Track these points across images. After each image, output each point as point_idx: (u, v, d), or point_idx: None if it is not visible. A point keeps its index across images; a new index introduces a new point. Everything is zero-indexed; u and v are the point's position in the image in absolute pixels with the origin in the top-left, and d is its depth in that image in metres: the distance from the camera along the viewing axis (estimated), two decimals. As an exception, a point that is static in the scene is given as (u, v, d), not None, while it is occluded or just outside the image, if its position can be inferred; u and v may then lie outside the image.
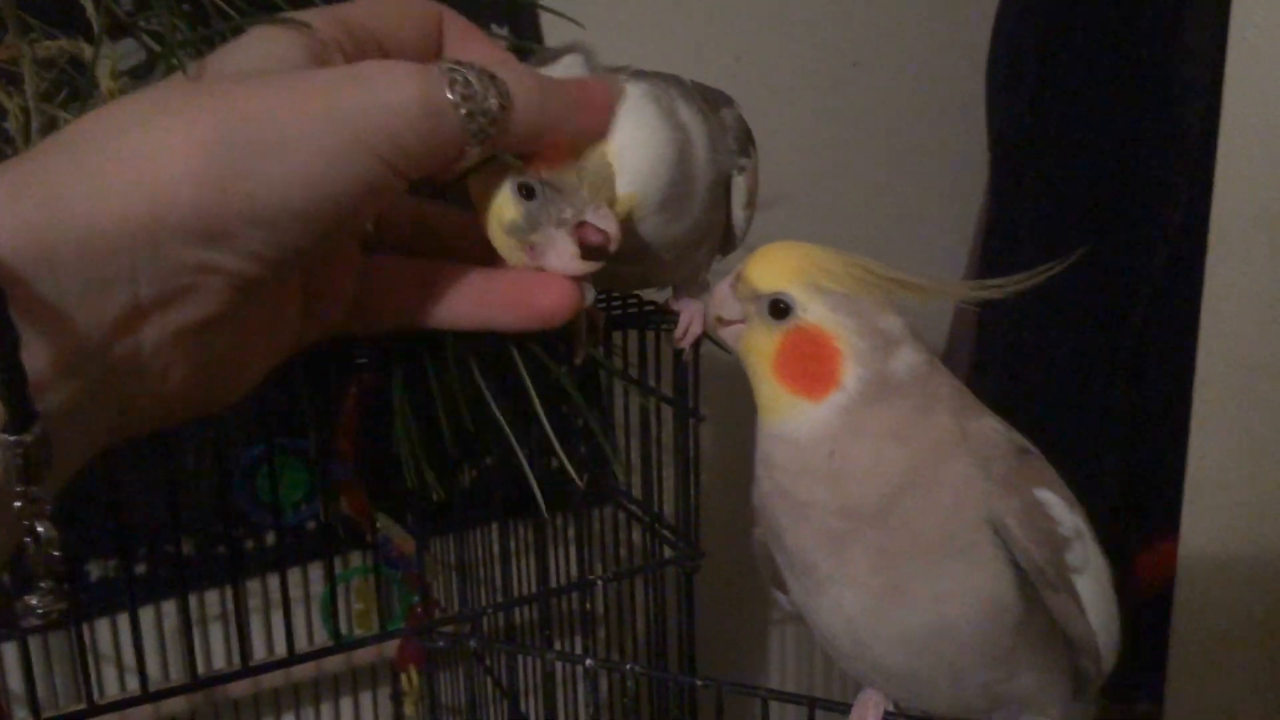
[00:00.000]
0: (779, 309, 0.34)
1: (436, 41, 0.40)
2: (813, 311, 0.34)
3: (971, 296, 0.35)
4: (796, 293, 0.34)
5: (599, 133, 0.38)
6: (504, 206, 0.38)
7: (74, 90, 0.44)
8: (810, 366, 0.34)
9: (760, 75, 0.97)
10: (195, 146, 0.29)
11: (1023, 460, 0.35)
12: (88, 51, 0.40)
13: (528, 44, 0.69)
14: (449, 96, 0.34)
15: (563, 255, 0.37)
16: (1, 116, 0.42)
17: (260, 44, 0.35)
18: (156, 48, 0.45)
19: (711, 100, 0.44)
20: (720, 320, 0.37)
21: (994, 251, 1.02)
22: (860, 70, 1.03)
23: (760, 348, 0.35)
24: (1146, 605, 0.83)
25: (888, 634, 0.36)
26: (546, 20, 0.84)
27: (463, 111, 0.34)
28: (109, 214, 0.28)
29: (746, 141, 0.45)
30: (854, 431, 0.34)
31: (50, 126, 0.39)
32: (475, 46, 0.41)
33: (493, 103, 0.34)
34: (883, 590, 0.35)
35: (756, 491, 0.37)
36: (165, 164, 0.29)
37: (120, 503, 0.48)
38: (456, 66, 0.34)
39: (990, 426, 0.36)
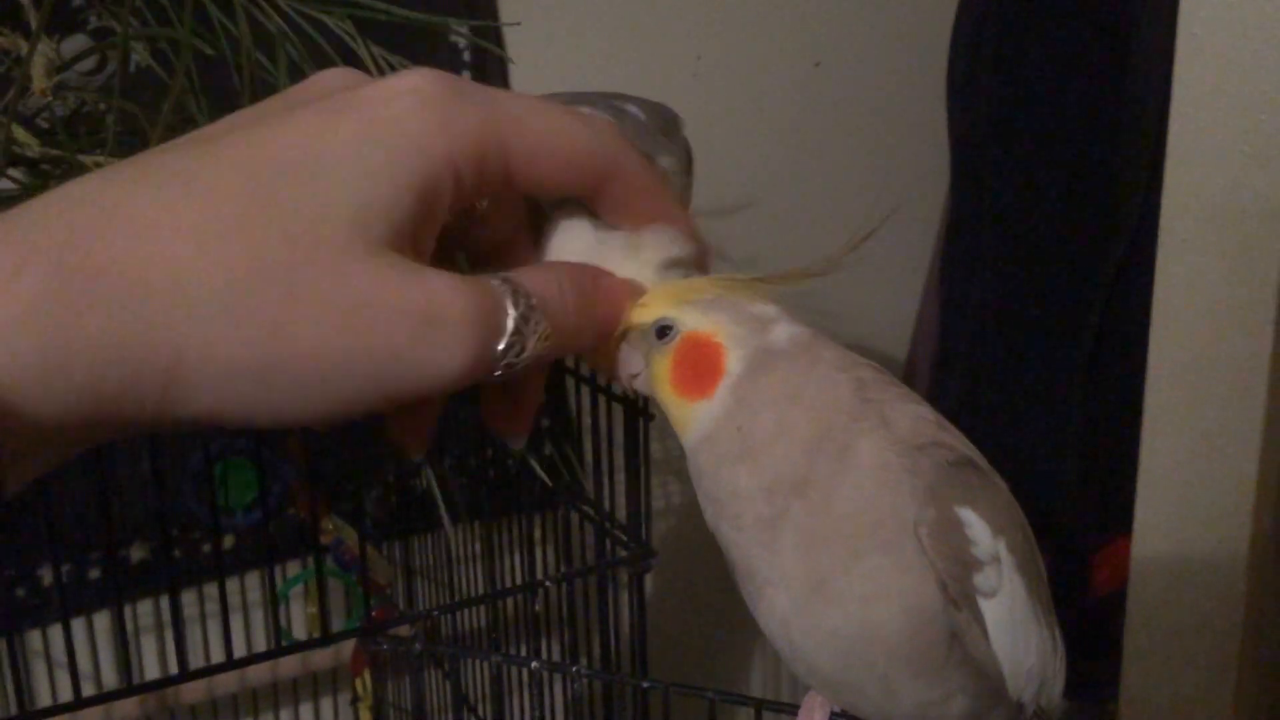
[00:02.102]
0: (663, 332, 0.36)
1: (589, 194, 0.36)
2: (689, 320, 0.36)
3: (808, 280, 0.36)
4: (673, 312, 0.36)
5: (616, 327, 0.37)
6: None
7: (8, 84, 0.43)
8: (699, 367, 0.36)
9: (722, 75, 0.97)
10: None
11: (957, 471, 0.35)
12: (24, 48, 0.39)
13: (485, 37, 0.69)
14: (497, 351, 0.31)
15: None
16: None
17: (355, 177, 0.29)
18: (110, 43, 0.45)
19: (664, 119, 0.45)
20: (633, 378, 0.38)
21: (955, 248, 1.03)
22: (823, 70, 1.03)
23: (659, 374, 0.37)
24: (1109, 602, 0.84)
25: (818, 635, 0.35)
26: (506, 13, 0.84)
27: (503, 363, 0.32)
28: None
29: (689, 164, 0.45)
30: (748, 403, 0.35)
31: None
32: (644, 204, 0.36)
33: (529, 346, 0.32)
34: (811, 586, 0.35)
35: (706, 518, 0.37)
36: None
37: (55, 508, 0.47)
38: (521, 300, 0.32)
39: (916, 414, 0.36)
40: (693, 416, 0.36)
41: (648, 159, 0.39)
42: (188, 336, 0.27)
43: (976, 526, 0.34)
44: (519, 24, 0.55)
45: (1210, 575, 0.59)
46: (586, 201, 0.36)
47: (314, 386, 0.29)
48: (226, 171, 0.28)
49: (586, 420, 0.52)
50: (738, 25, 0.97)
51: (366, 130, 0.30)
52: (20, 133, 0.43)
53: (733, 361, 0.35)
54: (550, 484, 0.49)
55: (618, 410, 0.50)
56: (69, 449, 0.28)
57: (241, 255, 0.27)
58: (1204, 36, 0.53)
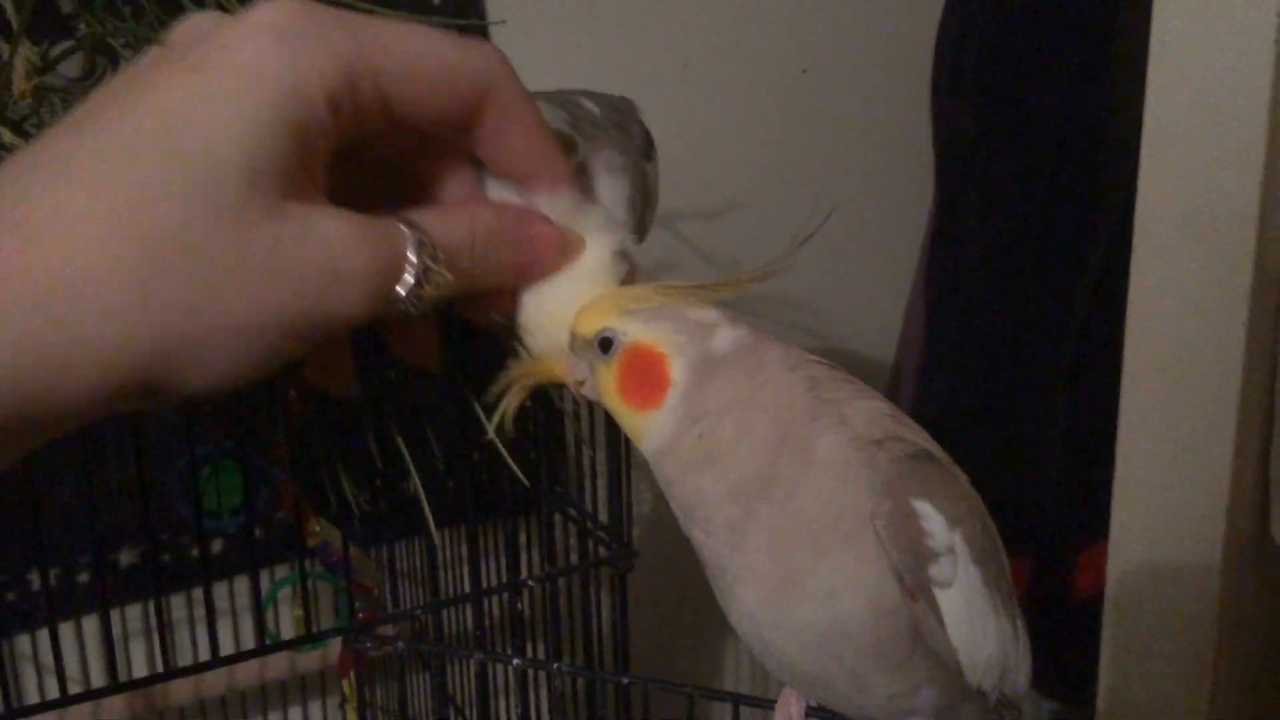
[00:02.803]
0: (606, 344, 0.37)
1: (469, 118, 0.35)
2: (631, 331, 0.36)
3: (750, 282, 0.37)
4: (614, 323, 0.37)
5: (541, 276, 0.38)
6: None
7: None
8: (645, 378, 0.36)
9: (710, 81, 0.98)
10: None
11: (914, 464, 0.36)
12: (5, 50, 0.39)
13: (470, 21, 0.69)
14: (396, 295, 0.33)
15: None
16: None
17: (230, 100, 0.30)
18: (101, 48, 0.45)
19: (618, 111, 0.45)
20: (579, 384, 0.39)
21: (940, 252, 1.03)
22: (810, 76, 1.04)
23: (607, 386, 0.37)
24: (1094, 604, 0.84)
25: (786, 630, 0.36)
26: (494, 15, 0.85)
27: (400, 307, 0.33)
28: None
29: (649, 147, 0.46)
30: (701, 411, 0.36)
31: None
32: (519, 136, 0.36)
33: (428, 292, 0.33)
34: (779, 582, 0.35)
35: (679, 522, 0.38)
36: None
37: (41, 512, 0.47)
38: (426, 249, 0.33)
39: (873, 410, 0.37)
40: (645, 427, 0.37)
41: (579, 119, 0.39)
42: (101, 333, 0.28)
43: (932, 518, 0.35)
44: (504, 22, 0.55)
45: (1186, 575, 0.60)
46: (470, 138, 0.36)
47: (234, 351, 0.30)
48: (108, 154, 0.29)
49: (567, 423, 0.53)
50: (725, 31, 0.98)
51: (233, 82, 0.30)
52: (7, 135, 0.44)
53: (678, 370, 0.36)
54: (530, 485, 0.49)
55: (600, 413, 0.51)
56: (15, 446, 0.29)
57: (140, 247, 0.28)
58: (1176, 45, 0.54)
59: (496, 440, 0.43)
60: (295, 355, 0.31)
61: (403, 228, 0.33)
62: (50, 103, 0.40)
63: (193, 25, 0.33)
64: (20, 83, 0.37)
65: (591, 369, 0.38)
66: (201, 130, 0.29)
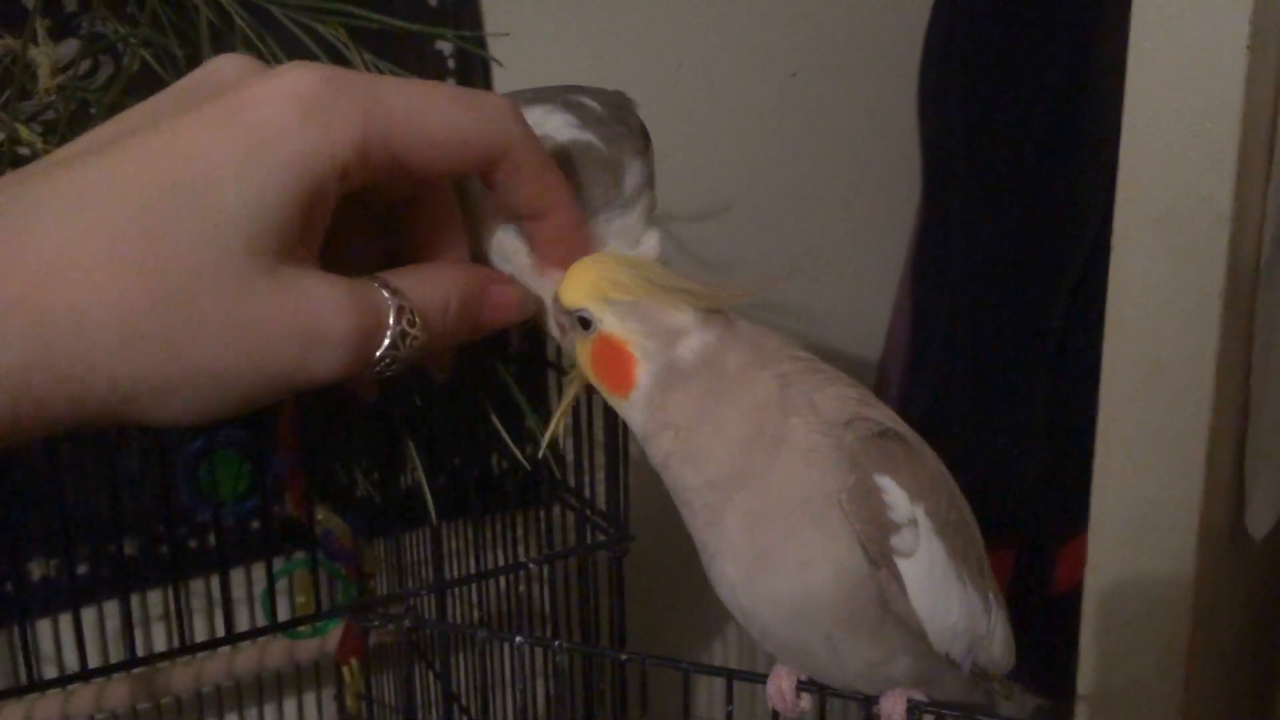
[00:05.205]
0: (584, 322, 0.39)
1: (480, 174, 0.37)
2: (607, 322, 0.38)
3: (734, 301, 0.38)
4: (593, 306, 0.38)
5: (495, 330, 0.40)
6: None
7: (19, 89, 0.45)
8: (615, 369, 0.38)
9: (701, 84, 0.99)
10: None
11: (878, 442, 0.38)
12: (30, 50, 0.41)
13: (462, 38, 0.71)
14: (373, 359, 0.34)
15: None
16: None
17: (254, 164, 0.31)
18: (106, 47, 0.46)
19: (617, 106, 0.47)
20: (561, 334, 0.41)
21: (926, 256, 1.05)
22: (799, 80, 1.05)
23: (584, 355, 0.39)
24: (1075, 596, 0.86)
25: (762, 600, 0.38)
26: (490, 19, 0.86)
27: (376, 369, 0.35)
28: None
29: (647, 140, 0.47)
30: (667, 418, 0.38)
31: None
32: (529, 183, 0.38)
33: (403, 356, 0.35)
34: (754, 557, 0.38)
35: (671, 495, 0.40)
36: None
37: (63, 500, 0.48)
38: (404, 315, 0.35)
39: (840, 395, 0.38)
40: (620, 406, 0.39)
41: (599, 147, 0.41)
42: (92, 367, 0.29)
43: (894, 492, 0.37)
44: (508, 35, 0.57)
45: (1161, 563, 0.61)
46: (481, 180, 0.38)
47: (209, 396, 0.32)
48: (122, 195, 0.30)
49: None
50: (716, 35, 0.99)
51: (251, 146, 0.31)
52: (24, 131, 0.45)
53: (643, 375, 0.38)
54: (530, 469, 0.51)
55: (598, 402, 0.52)
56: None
57: (140, 289, 0.29)
58: (1153, 50, 0.56)
59: (503, 433, 0.44)
60: (265, 405, 0.33)
61: (385, 294, 0.35)
62: (66, 99, 0.41)
63: (219, 69, 0.34)
64: (46, 79, 0.38)
65: (572, 329, 0.40)
66: (214, 189, 0.30)
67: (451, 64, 0.90)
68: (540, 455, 0.44)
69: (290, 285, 0.32)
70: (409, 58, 0.82)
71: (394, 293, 0.35)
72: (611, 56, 0.94)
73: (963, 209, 1.01)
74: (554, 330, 0.41)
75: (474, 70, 0.89)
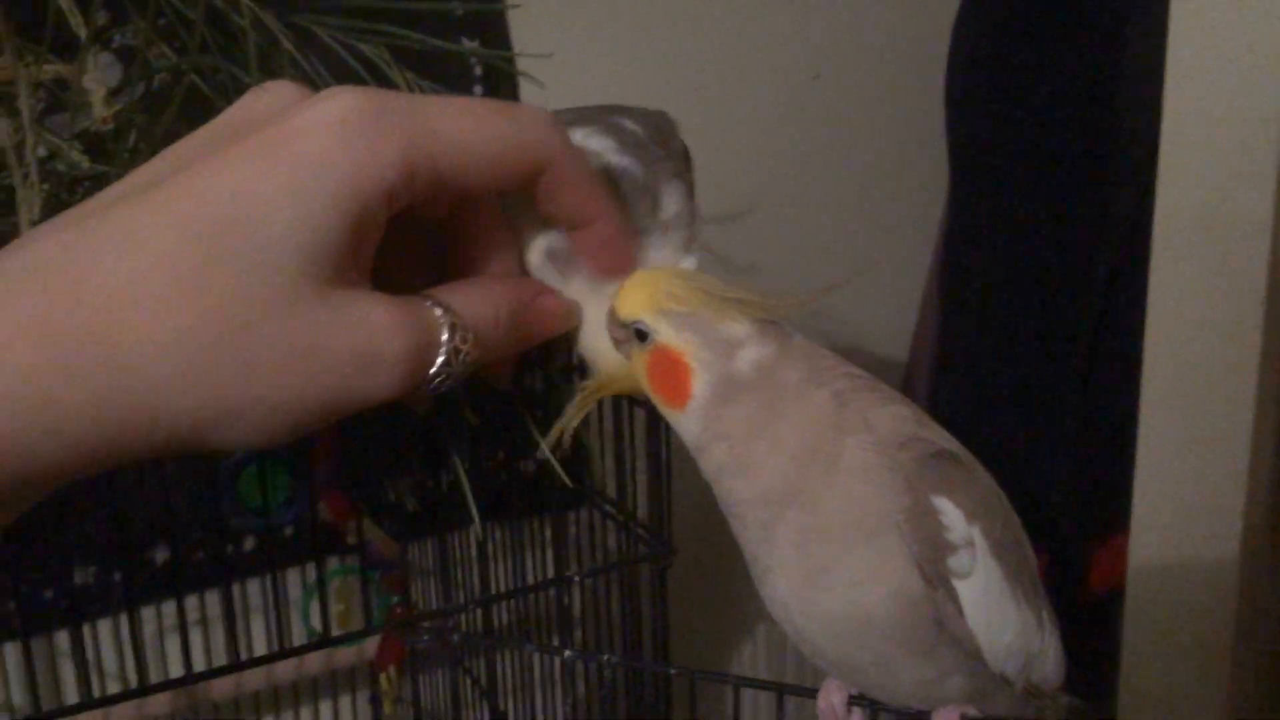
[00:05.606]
0: (641, 335, 0.39)
1: (523, 187, 0.37)
2: (663, 333, 0.38)
3: (790, 311, 0.38)
4: (649, 319, 0.38)
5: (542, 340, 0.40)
6: None
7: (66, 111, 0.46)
8: (671, 380, 0.38)
9: (724, 88, 0.99)
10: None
11: (934, 463, 0.38)
12: (84, 77, 0.41)
13: (499, 57, 0.71)
14: (428, 376, 0.35)
15: None
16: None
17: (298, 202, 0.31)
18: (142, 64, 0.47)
19: (658, 128, 0.47)
20: (617, 341, 0.41)
21: (954, 256, 1.05)
22: (822, 82, 1.05)
23: (640, 368, 0.39)
24: (1110, 601, 0.86)
25: (815, 619, 0.38)
26: (516, 34, 0.86)
27: (430, 386, 0.35)
28: None
29: (688, 161, 0.47)
30: (723, 430, 0.38)
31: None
32: (571, 193, 0.38)
33: (457, 372, 0.35)
34: (807, 574, 0.38)
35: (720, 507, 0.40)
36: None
37: (118, 508, 0.49)
38: (457, 332, 0.35)
39: (896, 415, 0.38)
40: (675, 419, 0.39)
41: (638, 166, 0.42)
42: (158, 397, 0.30)
43: (951, 513, 0.37)
44: (550, 54, 0.57)
45: (1204, 570, 0.61)
46: (523, 192, 0.38)
47: (272, 421, 0.32)
48: (176, 230, 0.31)
49: (607, 421, 0.55)
50: (738, 40, 1.00)
51: (298, 177, 0.31)
52: (77, 155, 0.46)
53: (699, 386, 0.38)
54: (571, 485, 0.51)
55: (639, 415, 0.53)
56: (65, 481, 0.31)
57: (200, 320, 0.30)
58: (1192, 58, 0.55)
59: (545, 447, 0.45)
60: (322, 427, 0.34)
61: (437, 311, 0.36)
62: (127, 132, 0.41)
63: (262, 100, 0.35)
64: (100, 109, 0.39)
65: (627, 341, 0.40)
66: (265, 222, 0.31)
67: (478, 71, 0.90)
68: (541, 459, 0.44)
69: (345, 309, 0.33)
70: (438, 68, 0.82)
71: (446, 310, 0.36)
72: (633, 64, 0.94)
73: (991, 209, 1.00)
74: (585, 343, 0.41)
75: (501, 82, 0.89)
